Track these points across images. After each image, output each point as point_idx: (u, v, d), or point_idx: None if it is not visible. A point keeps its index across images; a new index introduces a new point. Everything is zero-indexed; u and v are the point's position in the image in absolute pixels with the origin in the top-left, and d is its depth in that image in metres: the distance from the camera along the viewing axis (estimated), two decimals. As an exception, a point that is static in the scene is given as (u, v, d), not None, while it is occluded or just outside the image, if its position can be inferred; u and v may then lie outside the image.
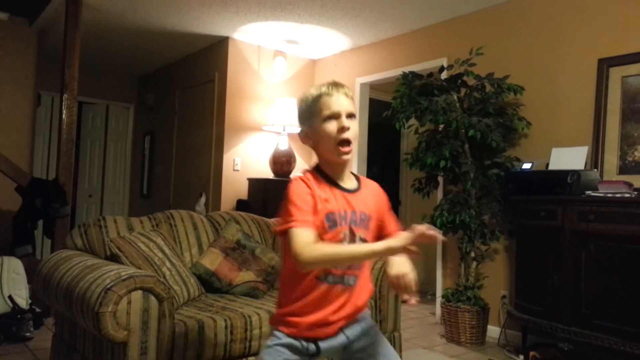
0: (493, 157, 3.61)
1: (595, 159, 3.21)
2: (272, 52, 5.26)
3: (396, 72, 4.43)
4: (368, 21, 4.39)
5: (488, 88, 3.58)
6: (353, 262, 1.33)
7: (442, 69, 3.81)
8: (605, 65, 3.25)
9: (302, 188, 1.31)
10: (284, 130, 4.86)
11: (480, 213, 3.56)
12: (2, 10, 4.75)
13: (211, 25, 4.67)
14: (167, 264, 2.37)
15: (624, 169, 3.10)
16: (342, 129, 1.31)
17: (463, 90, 3.70)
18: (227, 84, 4.96)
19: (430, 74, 3.74)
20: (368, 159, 5.03)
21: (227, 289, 2.60)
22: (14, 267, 3.45)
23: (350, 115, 1.35)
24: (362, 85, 5.03)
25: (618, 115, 3.17)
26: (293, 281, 1.34)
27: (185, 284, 2.38)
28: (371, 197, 1.43)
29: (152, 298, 1.87)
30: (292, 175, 4.93)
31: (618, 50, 3.19)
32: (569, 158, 3.24)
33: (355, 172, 1.51)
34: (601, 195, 2.73)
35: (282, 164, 4.81)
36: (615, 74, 3.20)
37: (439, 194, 4.09)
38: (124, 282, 1.80)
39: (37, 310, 3.49)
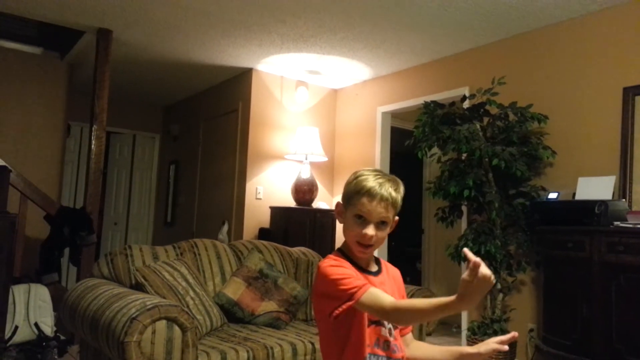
0: (518, 186, 3.56)
1: (623, 188, 3.14)
2: (294, 82, 5.34)
3: (418, 101, 4.45)
4: (388, 52, 4.44)
5: (511, 117, 3.56)
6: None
7: (464, 98, 3.81)
8: (630, 93, 3.21)
9: (338, 263, 1.31)
10: (306, 159, 4.90)
11: (506, 243, 3.50)
12: (36, 45, 4.97)
13: (235, 58, 4.78)
14: (191, 293, 2.38)
15: (653, 199, 3.03)
16: (364, 236, 1.30)
17: (486, 119, 3.68)
18: (251, 114, 5.04)
19: (452, 103, 3.74)
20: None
21: (250, 319, 2.59)
22: (41, 294, 3.51)
23: (383, 223, 1.32)
24: (384, 114, 5.06)
25: (646, 144, 3.11)
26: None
27: (208, 313, 2.39)
28: (393, 281, 1.44)
29: (176, 328, 1.88)
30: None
31: (643, 79, 3.16)
32: (596, 188, 3.18)
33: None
34: (630, 225, 2.67)
35: (304, 192, 4.83)
36: (642, 103, 3.16)
37: (463, 223, 4.04)
38: (148, 311, 1.81)
39: (62, 337, 3.52)
